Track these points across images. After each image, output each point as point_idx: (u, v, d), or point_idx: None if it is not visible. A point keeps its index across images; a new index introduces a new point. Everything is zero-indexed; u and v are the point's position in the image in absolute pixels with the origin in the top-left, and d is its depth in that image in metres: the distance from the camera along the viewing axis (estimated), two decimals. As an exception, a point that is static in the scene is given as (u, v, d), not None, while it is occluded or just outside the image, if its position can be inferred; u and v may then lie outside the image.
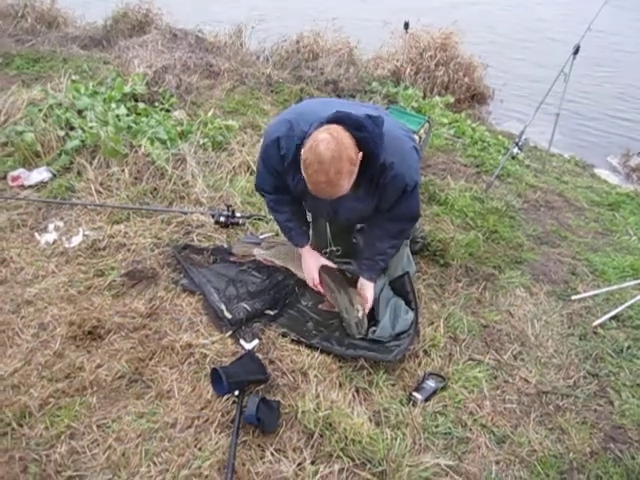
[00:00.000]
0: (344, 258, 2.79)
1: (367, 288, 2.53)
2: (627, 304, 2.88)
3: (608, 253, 3.43)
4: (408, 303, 2.61)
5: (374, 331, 2.46)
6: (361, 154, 2.00)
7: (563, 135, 6.59)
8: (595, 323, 2.79)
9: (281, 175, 2.31)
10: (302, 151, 2.00)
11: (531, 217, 3.71)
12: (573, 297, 2.97)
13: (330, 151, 1.90)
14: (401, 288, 2.67)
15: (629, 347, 2.66)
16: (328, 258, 2.69)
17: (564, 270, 3.19)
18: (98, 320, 2.42)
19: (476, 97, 7.27)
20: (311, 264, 2.61)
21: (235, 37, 6.44)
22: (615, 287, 3.04)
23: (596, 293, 3.01)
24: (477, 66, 7.23)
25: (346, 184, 1.99)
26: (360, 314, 2.46)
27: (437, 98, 6.12)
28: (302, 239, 2.60)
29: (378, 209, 2.34)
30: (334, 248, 2.75)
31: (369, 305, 2.51)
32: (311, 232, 2.71)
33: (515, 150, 4.02)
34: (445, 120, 5.41)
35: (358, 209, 2.34)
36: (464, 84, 7.02)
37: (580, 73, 6.81)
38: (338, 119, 1.98)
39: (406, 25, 6.67)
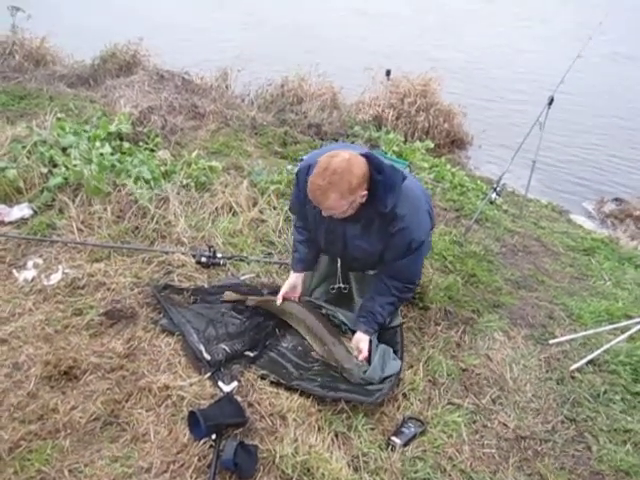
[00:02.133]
0: (345, 301, 2.84)
1: (363, 340, 2.55)
2: (603, 348, 2.92)
3: (584, 298, 3.49)
4: (395, 352, 2.61)
5: (365, 371, 2.46)
6: (365, 193, 2.20)
7: (540, 181, 6.79)
8: (572, 367, 2.82)
9: (304, 202, 2.45)
10: None
11: (509, 261, 3.78)
12: (551, 341, 3.01)
13: (338, 166, 2.12)
14: (391, 339, 2.68)
15: (605, 392, 2.69)
16: (335, 294, 2.79)
17: (541, 314, 3.24)
18: (74, 360, 2.38)
19: (456, 142, 7.49)
20: (288, 283, 2.71)
21: (221, 80, 6.59)
22: (591, 332, 3.09)
23: (573, 337, 3.05)
24: (456, 113, 7.47)
25: (336, 202, 2.16)
26: (359, 360, 2.48)
27: (418, 143, 6.29)
28: (299, 265, 2.71)
29: (383, 259, 2.47)
30: (342, 285, 2.77)
31: (363, 356, 2.50)
32: (316, 269, 2.86)
33: (493, 195, 4.13)
34: (425, 165, 5.54)
35: (365, 249, 2.46)
36: (444, 130, 7.23)
37: (556, 120, 7.07)
38: (367, 154, 2.25)
39: (388, 72, 6.93)
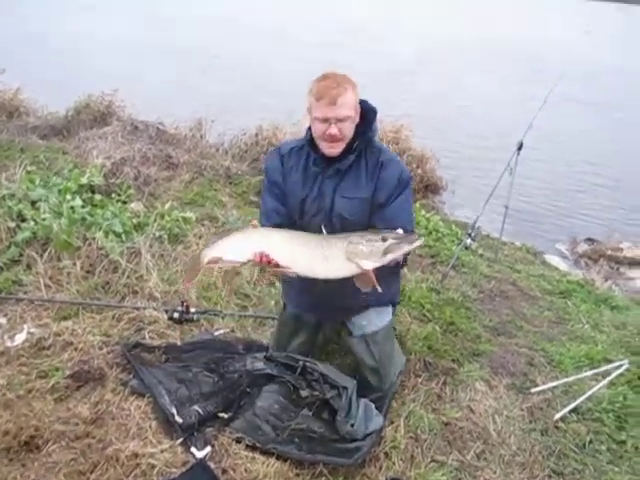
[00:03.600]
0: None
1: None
2: (585, 396, 2.88)
3: (563, 342, 3.47)
4: (379, 408, 2.54)
5: (352, 425, 2.37)
6: (359, 110, 2.40)
7: (514, 224, 6.85)
8: (556, 417, 2.76)
9: (281, 188, 2.51)
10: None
11: (487, 307, 3.76)
12: (532, 390, 2.96)
13: (337, 73, 2.38)
14: (378, 402, 2.59)
15: (591, 441, 2.63)
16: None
17: (522, 361, 3.20)
18: (36, 429, 2.25)
19: (430, 187, 7.55)
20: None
21: (195, 130, 6.61)
22: (572, 378, 3.05)
23: (555, 385, 3.00)
24: (429, 158, 7.56)
25: (349, 93, 2.31)
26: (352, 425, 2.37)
27: (392, 189, 6.31)
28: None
29: (374, 202, 2.44)
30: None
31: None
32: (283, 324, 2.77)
33: (468, 241, 4.14)
34: (400, 210, 5.55)
35: (355, 203, 2.43)
36: (417, 175, 7.30)
37: (528, 162, 7.26)
38: None
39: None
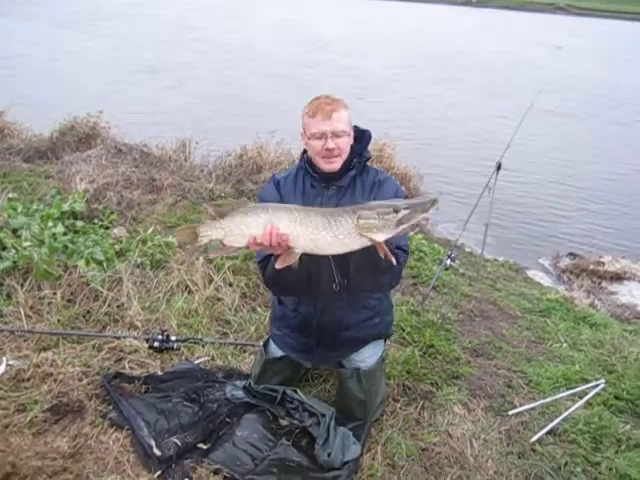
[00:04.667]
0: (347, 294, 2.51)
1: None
2: (561, 417, 2.92)
3: (541, 363, 3.51)
4: (357, 436, 2.56)
5: (329, 454, 2.39)
6: (352, 134, 2.46)
7: (496, 239, 6.96)
8: (532, 439, 2.79)
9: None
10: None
11: (466, 328, 3.80)
12: (510, 412, 2.99)
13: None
14: (358, 430, 2.61)
15: (566, 464, 2.66)
16: (333, 292, 2.47)
17: (500, 383, 3.23)
18: (13, 465, 2.24)
19: (413, 204, 7.62)
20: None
21: (180, 152, 6.64)
22: (549, 399, 3.10)
23: (532, 407, 3.04)
24: (413, 175, 7.67)
25: (343, 110, 2.38)
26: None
27: (376, 208, 6.37)
28: None
29: None
30: (340, 280, 2.46)
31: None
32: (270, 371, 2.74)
33: (448, 262, 4.19)
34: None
35: None
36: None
37: (510, 177, 7.37)
38: None
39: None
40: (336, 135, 2.36)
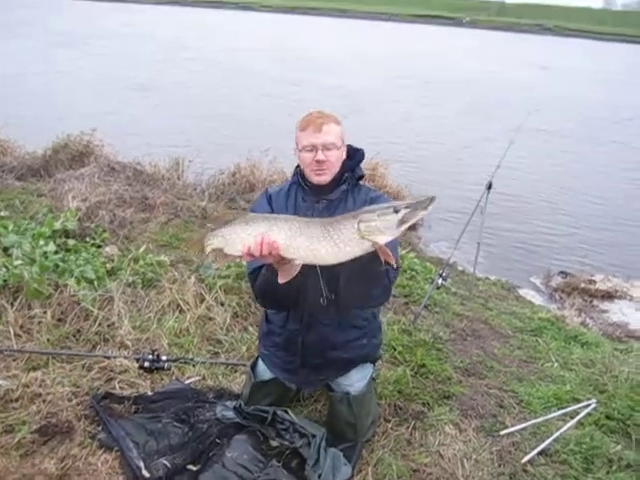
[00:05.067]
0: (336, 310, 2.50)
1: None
2: (552, 438, 2.92)
3: (533, 382, 3.51)
4: (348, 457, 2.54)
5: (320, 475, 2.37)
6: (345, 149, 2.49)
7: (488, 258, 6.99)
8: (524, 460, 2.79)
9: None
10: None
11: (458, 348, 3.80)
12: (501, 432, 2.99)
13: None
14: (349, 451, 2.60)
15: (558, 485, 2.66)
16: (321, 307, 2.46)
17: (491, 403, 3.23)
18: (0, 488, 2.22)
19: (406, 223, 7.66)
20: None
21: (173, 170, 6.66)
22: (540, 419, 3.10)
23: (523, 427, 3.04)
24: (406, 195, 7.71)
25: (334, 124, 2.41)
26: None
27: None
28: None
29: None
30: (328, 295, 2.45)
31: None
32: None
33: (440, 281, 4.20)
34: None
35: None
36: (394, 212, 7.42)
37: (502, 197, 7.43)
38: None
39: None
40: (326, 148, 2.38)
